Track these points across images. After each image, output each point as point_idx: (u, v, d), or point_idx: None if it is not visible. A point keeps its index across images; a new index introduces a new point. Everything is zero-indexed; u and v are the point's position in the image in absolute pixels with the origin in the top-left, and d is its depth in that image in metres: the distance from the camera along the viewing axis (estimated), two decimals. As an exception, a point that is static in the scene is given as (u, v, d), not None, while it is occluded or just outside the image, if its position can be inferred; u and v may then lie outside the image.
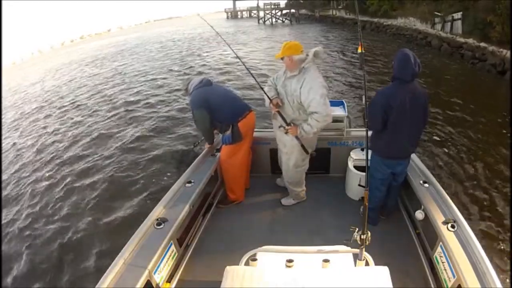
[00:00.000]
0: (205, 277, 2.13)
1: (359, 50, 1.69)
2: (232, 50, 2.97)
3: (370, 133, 2.30)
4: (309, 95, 2.25)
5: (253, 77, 2.77)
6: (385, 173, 2.40)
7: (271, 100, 2.45)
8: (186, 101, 7.91)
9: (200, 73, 13.32)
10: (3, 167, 6.61)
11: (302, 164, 2.69)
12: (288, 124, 2.44)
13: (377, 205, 2.53)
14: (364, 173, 2.66)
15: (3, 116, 11.11)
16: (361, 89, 8.40)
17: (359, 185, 2.78)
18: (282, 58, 2.36)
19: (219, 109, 2.69)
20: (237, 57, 2.92)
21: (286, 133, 2.48)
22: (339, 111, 3.09)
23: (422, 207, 2.21)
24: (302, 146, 2.48)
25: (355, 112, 6.97)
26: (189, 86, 2.81)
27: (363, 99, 1.92)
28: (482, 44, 11.07)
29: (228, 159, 2.83)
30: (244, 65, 2.92)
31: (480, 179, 4.59)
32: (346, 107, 3.12)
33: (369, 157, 2.16)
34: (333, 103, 3.23)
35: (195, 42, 24.51)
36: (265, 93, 2.50)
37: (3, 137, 8.79)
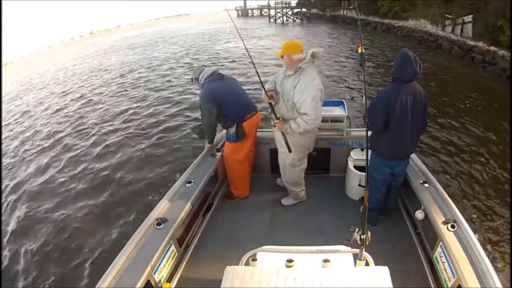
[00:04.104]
0: (205, 277, 2.13)
1: (360, 50, 1.70)
2: (245, 45, 2.86)
3: (370, 133, 2.29)
4: (302, 96, 2.26)
5: (257, 72, 2.70)
6: (386, 174, 2.39)
7: (266, 92, 2.46)
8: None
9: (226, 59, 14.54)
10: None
11: (298, 164, 2.69)
12: (277, 118, 2.46)
13: (377, 206, 2.53)
14: (364, 173, 2.66)
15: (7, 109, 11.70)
16: (362, 90, 8.46)
17: (359, 185, 2.77)
18: (282, 57, 2.37)
19: (227, 106, 2.69)
20: (247, 51, 2.85)
21: (274, 126, 2.53)
22: (339, 111, 3.08)
23: (422, 207, 2.21)
24: (287, 143, 2.45)
25: (356, 112, 6.97)
26: (200, 77, 2.75)
27: (364, 99, 1.92)
28: (492, 48, 11.00)
29: (232, 155, 2.86)
30: (251, 58, 2.87)
31: (481, 179, 4.60)
32: (346, 107, 3.11)
33: (369, 157, 2.16)
34: (333, 103, 3.24)
35: (214, 36, 25.96)
36: (262, 85, 2.50)
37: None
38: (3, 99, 13.67)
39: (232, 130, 2.75)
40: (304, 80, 2.28)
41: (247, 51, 2.79)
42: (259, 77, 2.64)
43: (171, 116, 8.13)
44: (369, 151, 2.69)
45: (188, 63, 15.17)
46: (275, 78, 2.58)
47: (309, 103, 2.24)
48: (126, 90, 11.43)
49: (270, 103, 2.47)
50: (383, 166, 2.35)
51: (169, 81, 12.07)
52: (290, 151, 2.47)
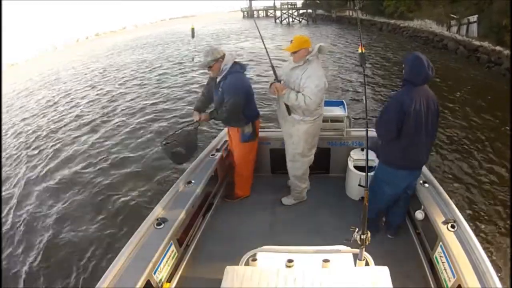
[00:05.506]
0: (205, 277, 2.13)
1: (360, 50, 1.72)
2: (264, 45, 2.71)
3: (370, 133, 2.23)
4: (306, 81, 2.38)
5: (272, 67, 2.56)
6: (398, 187, 2.23)
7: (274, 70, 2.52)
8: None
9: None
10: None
11: (308, 154, 2.72)
12: (278, 81, 2.48)
13: (380, 215, 2.45)
14: (364, 173, 2.65)
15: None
16: (364, 90, 8.52)
17: (359, 185, 2.77)
18: (294, 52, 2.40)
19: (249, 103, 2.64)
20: (266, 49, 2.68)
21: (271, 86, 2.50)
22: (339, 111, 3.08)
23: (422, 207, 2.21)
24: (287, 106, 2.48)
25: (359, 112, 6.99)
26: (225, 62, 2.48)
27: (364, 99, 1.91)
28: (498, 48, 10.97)
29: (248, 155, 2.88)
30: (268, 55, 2.67)
31: (481, 179, 4.59)
32: (346, 107, 3.11)
33: (369, 158, 2.13)
34: (333, 103, 3.24)
35: (224, 37, 26.47)
36: (276, 77, 2.51)
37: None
38: (16, 96, 13.91)
39: (247, 130, 2.72)
40: (311, 69, 2.39)
41: (266, 49, 2.67)
42: (275, 73, 2.54)
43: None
44: (371, 152, 2.69)
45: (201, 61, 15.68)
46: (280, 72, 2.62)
47: (312, 88, 2.35)
48: (142, 86, 11.67)
49: (272, 66, 2.52)
50: (396, 178, 2.19)
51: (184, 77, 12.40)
52: (289, 113, 2.50)
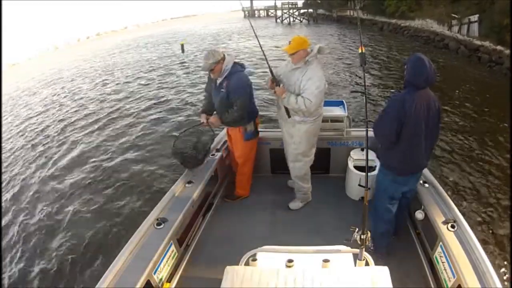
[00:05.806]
0: (205, 277, 2.13)
1: (360, 51, 1.72)
2: (260, 44, 2.68)
3: (370, 133, 2.11)
4: (307, 83, 2.38)
5: (269, 67, 2.53)
6: (397, 191, 2.18)
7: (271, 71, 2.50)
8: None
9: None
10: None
11: (309, 154, 2.73)
12: (278, 85, 2.46)
13: (388, 229, 2.27)
14: (364, 173, 2.64)
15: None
16: (370, 89, 8.60)
17: (359, 185, 2.77)
18: (292, 53, 2.39)
19: (251, 100, 2.69)
20: (261, 48, 2.67)
21: (274, 88, 2.49)
22: (339, 111, 3.08)
23: (422, 207, 2.21)
24: (286, 109, 2.49)
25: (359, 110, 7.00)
26: (226, 62, 2.50)
27: (364, 99, 1.91)
28: (499, 47, 11.00)
29: (251, 154, 2.90)
30: (265, 56, 2.64)
31: (481, 178, 4.59)
32: (346, 107, 3.11)
33: (369, 158, 2.13)
34: (333, 103, 3.24)
35: (227, 36, 26.98)
36: (273, 77, 2.49)
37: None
38: (18, 95, 13.95)
39: (250, 128, 2.74)
40: (311, 71, 2.39)
41: (261, 48, 2.65)
42: (273, 75, 2.52)
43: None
44: (371, 152, 2.69)
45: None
46: (278, 71, 2.61)
47: (312, 90, 2.35)
48: (145, 86, 11.82)
49: (270, 69, 2.49)
50: (394, 183, 2.14)
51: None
52: (289, 116, 2.50)
